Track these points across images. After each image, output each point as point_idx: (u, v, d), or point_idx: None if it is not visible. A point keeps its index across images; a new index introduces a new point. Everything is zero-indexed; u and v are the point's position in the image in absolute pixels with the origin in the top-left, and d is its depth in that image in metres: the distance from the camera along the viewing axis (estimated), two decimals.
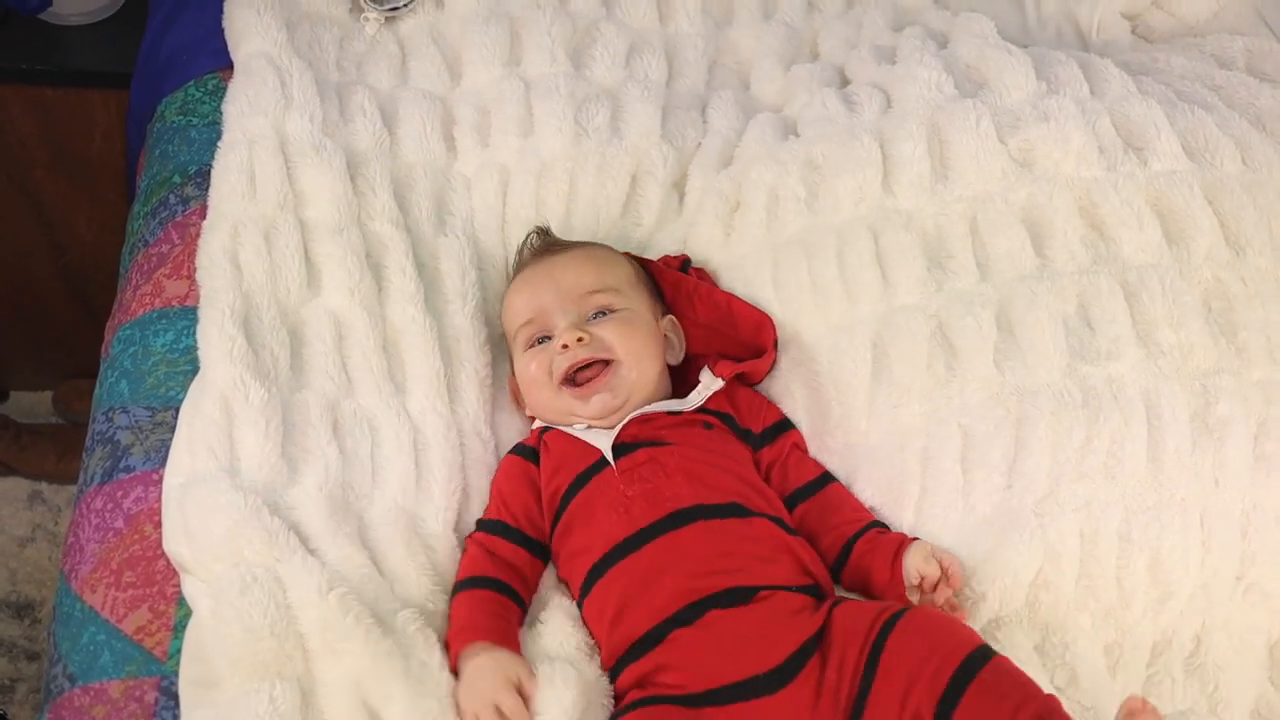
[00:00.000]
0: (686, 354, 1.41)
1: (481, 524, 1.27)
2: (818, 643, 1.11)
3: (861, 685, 1.07)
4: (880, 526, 1.25)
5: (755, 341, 1.38)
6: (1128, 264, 1.32)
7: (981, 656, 1.06)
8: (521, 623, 1.19)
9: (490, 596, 1.17)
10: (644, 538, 1.18)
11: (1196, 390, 1.26)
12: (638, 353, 1.31)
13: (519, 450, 1.33)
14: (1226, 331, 1.29)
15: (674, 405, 1.31)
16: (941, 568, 1.16)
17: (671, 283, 1.43)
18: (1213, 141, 1.39)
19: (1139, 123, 1.41)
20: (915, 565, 1.17)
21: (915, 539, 1.21)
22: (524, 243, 1.44)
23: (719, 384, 1.33)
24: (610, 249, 1.44)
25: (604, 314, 1.33)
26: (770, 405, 1.37)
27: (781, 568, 1.17)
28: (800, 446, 1.33)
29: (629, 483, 1.22)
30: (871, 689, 1.06)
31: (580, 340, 1.30)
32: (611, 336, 1.31)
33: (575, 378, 1.31)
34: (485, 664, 1.09)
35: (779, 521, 1.22)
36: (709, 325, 1.41)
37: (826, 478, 1.30)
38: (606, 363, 1.30)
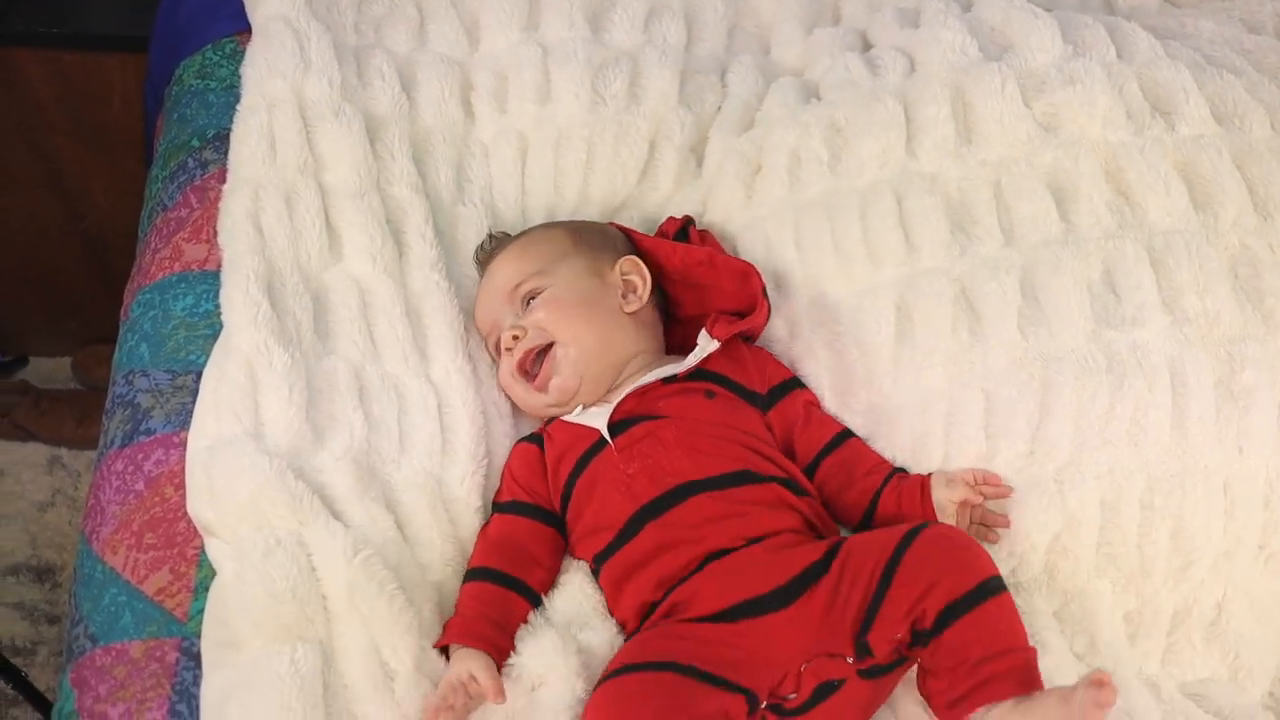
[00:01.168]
0: (688, 317, 1.40)
1: (496, 506, 1.27)
2: (824, 566, 1.11)
3: (875, 595, 1.08)
4: (900, 471, 1.26)
5: (744, 293, 1.36)
6: (1154, 229, 1.30)
7: (993, 588, 1.07)
8: (528, 611, 1.18)
9: (494, 591, 1.17)
10: (647, 515, 1.18)
11: (1222, 357, 1.24)
12: (572, 325, 1.31)
13: (528, 438, 1.33)
14: (1253, 298, 1.27)
15: (668, 370, 1.29)
16: (968, 484, 1.18)
17: (649, 247, 1.40)
18: (1242, 106, 1.37)
19: (1167, 86, 1.39)
20: (944, 497, 1.19)
21: (930, 474, 1.22)
22: (476, 251, 1.45)
23: (715, 345, 1.30)
24: (543, 227, 1.44)
25: (531, 299, 1.34)
26: (777, 364, 1.36)
27: (782, 519, 1.18)
28: (815, 405, 1.32)
29: (628, 460, 1.22)
30: (885, 597, 1.07)
31: (516, 337, 1.31)
32: (542, 319, 1.31)
33: (531, 372, 1.32)
34: (462, 662, 1.10)
35: (789, 484, 1.22)
36: (697, 284, 1.38)
37: (845, 434, 1.30)
38: (547, 347, 1.31)
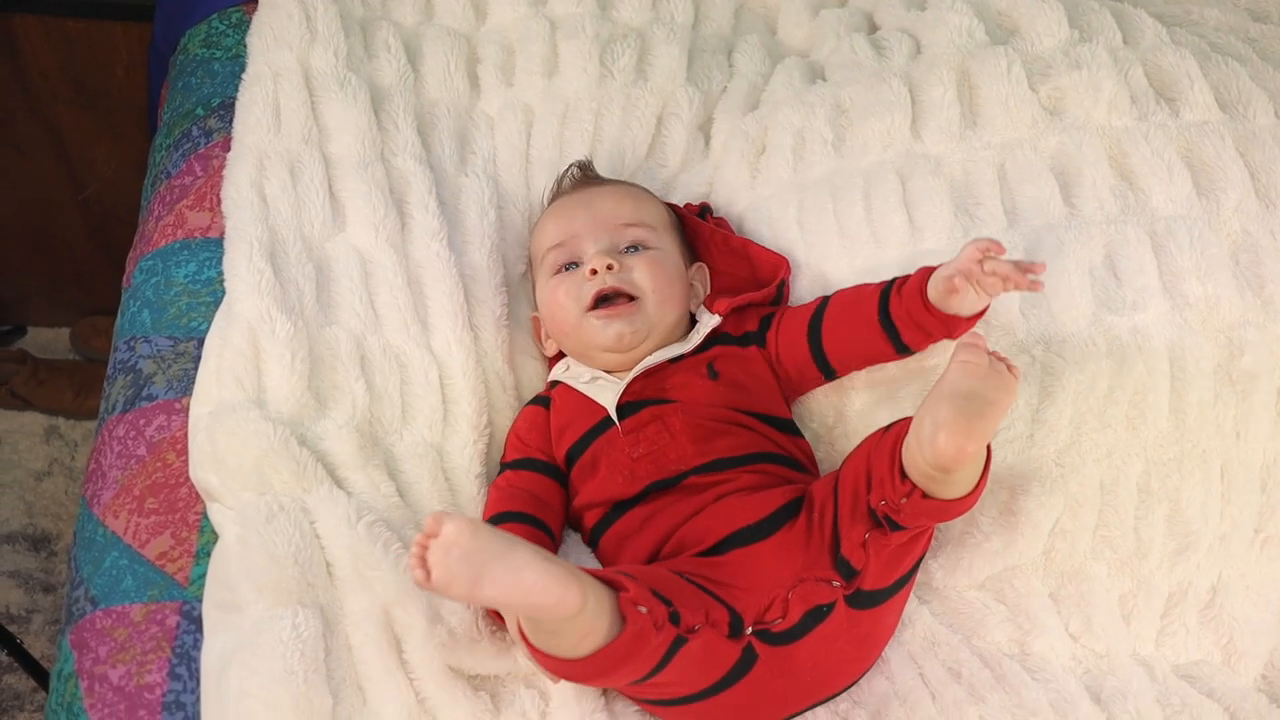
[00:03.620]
0: None
1: (503, 465, 1.28)
2: (802, 502, 1.15)
3: (834, 512, 1.11)
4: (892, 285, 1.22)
5: (753, 279, 1.38)
6: (1156, 214, 1.31)
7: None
8: (554, 548, 1.20)
9: (518, 528, 1.17)
10: (647, 494, 1.20)
11: (1221, 342, 1.25)
12: (663, 293, 1.30)
13: (534, 400, 1.34)
14: (1253, 284, 1.28)
15: (675, 350, 1.30)
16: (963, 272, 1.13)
17: (691, 228, 1.42)
18: (1246, 93, 1.38)
19: (1171, 73, 1.39)
20: (940, 290, 1.15)
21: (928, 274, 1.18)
22: (564, 174, 1.43)
23: (716, 320, 1.31)
24: (648, 190, 1.43)
25: (637, 249, 1.32)
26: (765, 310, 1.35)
27: (770, 480, 1.19)
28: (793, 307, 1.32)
29: (634, 444, 1.22)
30: (839, 515, 1.10)
31: (610, 268, 1.29)
32: (641, 273, 1.30)
33: (600, 303, 1.30)
34: None
35: (791, 462, 1.23)
36: (725, 271, 1.40)
37: (822, 305, 1.28)
38: (632, 298, 1.30)
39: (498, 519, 1.19)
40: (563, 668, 1.00)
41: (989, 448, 1.06)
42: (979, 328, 1.20)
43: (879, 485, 1.06)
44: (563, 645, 0.98)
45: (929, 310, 1.17)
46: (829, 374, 1.28)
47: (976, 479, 1.06)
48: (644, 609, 0.98)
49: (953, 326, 1.18)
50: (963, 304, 1.15)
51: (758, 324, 1.31)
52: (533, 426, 1.29)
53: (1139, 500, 1.22)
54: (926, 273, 1.18)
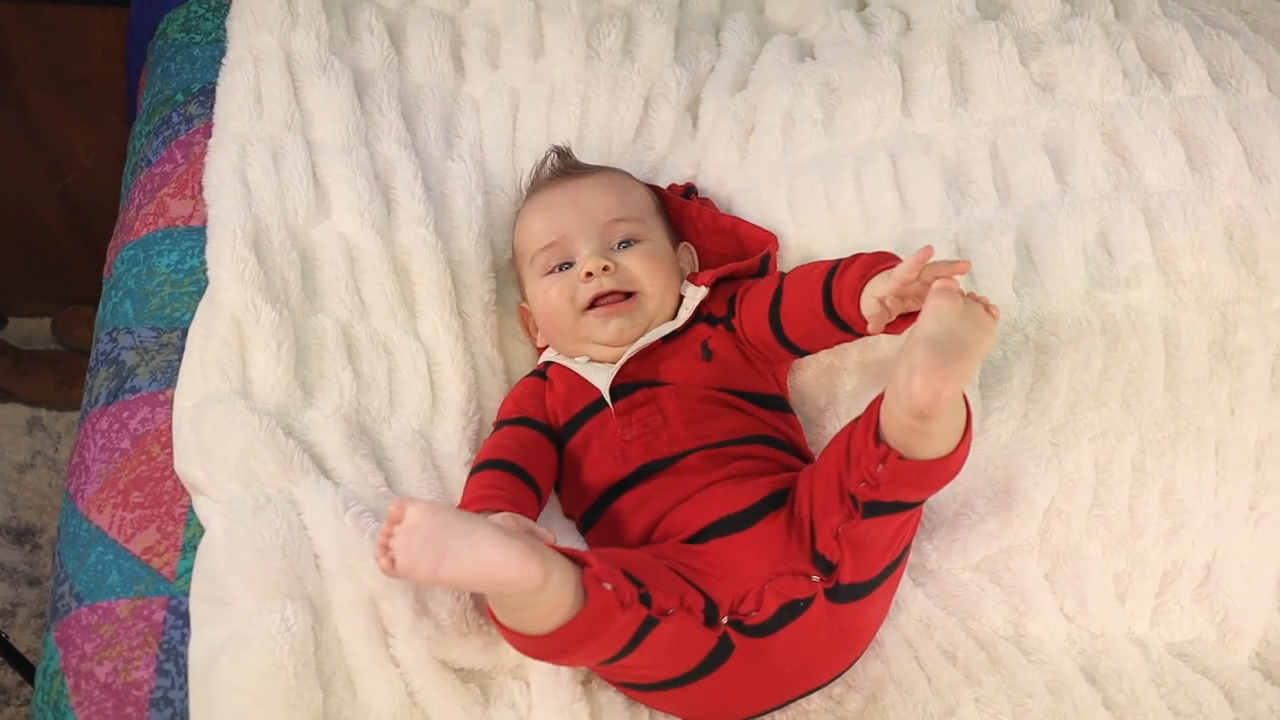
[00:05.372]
0: None
1: (501, 422, 1.27)
2: (787, 495, 1.14)
3: (811, 506, 1.09)
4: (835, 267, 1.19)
5: (739, 254, 1.37)
6: (1150, 190, 1.30)
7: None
8: (538, 509, 1.18)
9: (505, 477, 1.17)
10: (637, 478, 1.19)
11: (1215, 319, 1.25)
12: (661, 285, 1.30)
13: (532, 374, 1.33)
14: (1247, 260, 1.27)
15: (665, 329, 1.29)
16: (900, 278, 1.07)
17: (676, 209, 1.41)
18: (1239, 67, 1.37)
19: (1164, 46, 1.38)
20: (870, 303, 1.12)
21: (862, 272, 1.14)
22: (542, 162, 1.41)
23: (702, 292, 1.31)
24: (630, 176, 1.41)
25: (629, 244, 1.31)
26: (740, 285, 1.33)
27: (767, 468, 1.18)
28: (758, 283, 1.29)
29: (627, 425, 1.22)
30: (814, 508, 1.09)
31: (606, 269, 1.28)
32: (637, 268, 1.29)
33: (597, 302, 1.29)
34: (501, 517, 1.09)
35: (783, 444, 1.22)
36: (713, 250, 1.39)
37: (779, 286, 1.25)
38: (629, 294, 1.29)
39: (484, 466, 1.18)
40: (531, 645, 1.00)
41: (968, 408, 1.03)
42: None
43: (856, 461, 1.04)
44: (528, 621, 0.98)
45: (865, 319, 1.14)
46: (800, 354, 1.29)
47: (956, 436, 1.02)
48: (609, 585, 0.97)
49: (892, 328, 1.14)
50: (876, 327, 1.12)
51: (725, 308, 1.30)
52: (531, 394, 1.29)
53: (1134, 479, 1.22)
54: (861, 271, 1.14)
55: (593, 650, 1.00)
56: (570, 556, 0.98)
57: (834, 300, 1.17)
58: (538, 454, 1.22)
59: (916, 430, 0.99)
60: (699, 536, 1.13)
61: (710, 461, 1.19)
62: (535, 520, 1.15)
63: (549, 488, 1.23)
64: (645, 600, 0.99)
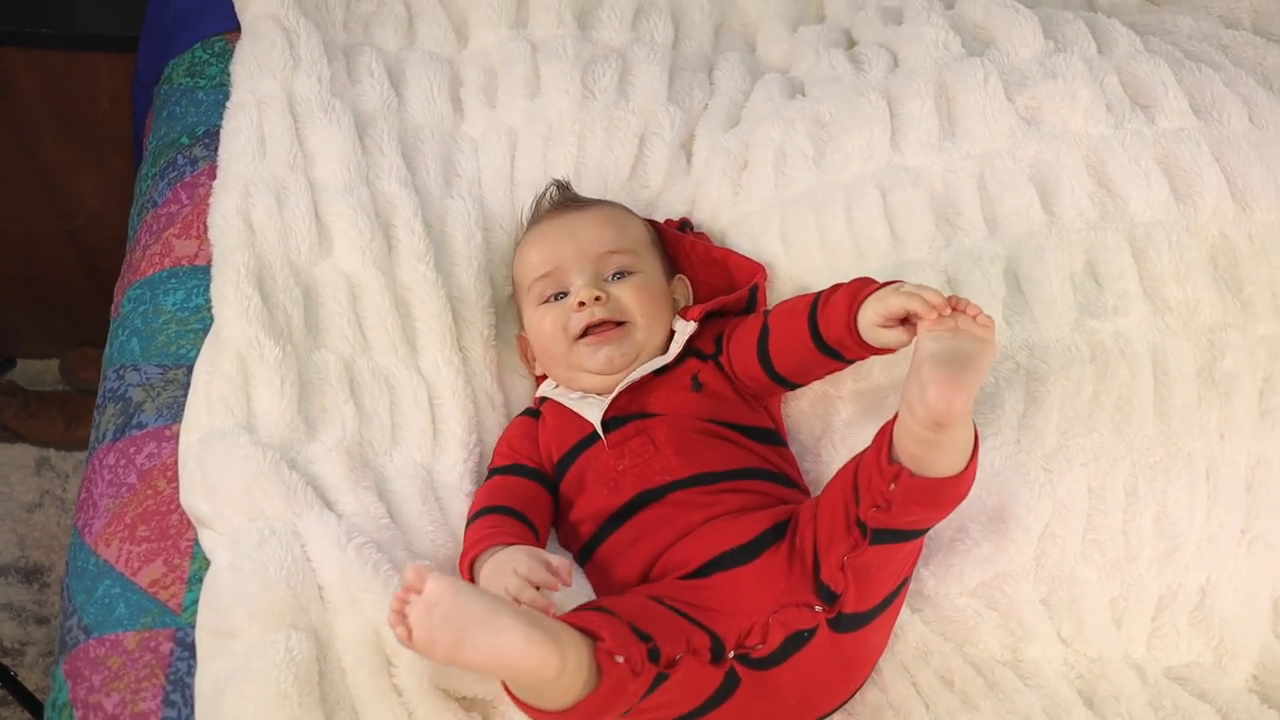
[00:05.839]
0: None
1: (492, 471, 1.28)
2: (787, 527, 1.15)
3: (815, 536, 1.11)
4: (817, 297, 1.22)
5: (729, 286, 1.39)
6: (1135, 220, 1.32)
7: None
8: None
9: (505, 519, 1.18)
10: (632, 509, 1.20)
11: (1203, 345, 1.26)
12: (651, 316, 1.32)
13: (525, 412, 1.35)
14: (1232, 287, 1.29)
15: (656, 363, 1.31)
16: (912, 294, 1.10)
17: (672, 242, 1.43)
18: (1220, 99, 1.39)
19: (1146, 80, 1.40)
20: (870, 320, 1.14)
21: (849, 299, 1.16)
22: (542, 195, 1.44)
23: (692, 327, 1.33)
24: (627, 210, 1.44)
25: (622, 275, 1.33)
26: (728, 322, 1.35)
27: (763, 504, 1.19)
28: (743, 322, 1.31)
29: (619, 456, 1.23)
30: (818, 539, 1.10)
31: (598, 299, 1.30)
32: (629, 299, 1.31)
33: (588, 331, 1.31)
34: (511, 550, 1.10)
35: (778, 477, 1.23)
36: (705, 282, 1.41)
37: (765, 322, 1.27)
38: (620, 324, 1.31)
39: (483, 512, 1.19)
40: (547, 718, 1.02)
41: (975, 434, 1.06)
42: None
43: (867, 486, 1.06)
44: (544, 699, 1.00)
45: (863, 346, 1.17)
46: (791, 387, 1.31)
47: (966, 454, 1.05)
48: (621, 658, 0.98)
49: (885, 352, 1.18)
50: (893, 341, 1.14)
51: (713, 345, 1.32)
52: (524, 435, 1.30)
53: (1126, 503, 1.23)
54: (848, 298, 1.16)
55: (609, 715, 1.02)
56: (583, 628, 1.00)
57: (821, 328, 1.20)
58: (532, 500, 1.23)
59: (932, 442, 1.01)
60: (701, 571, 1.14)
61: (704, 495, 1.20)
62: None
63: (547, 531, 1.24)
64: (654, 656, 1.01)
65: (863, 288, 1.17)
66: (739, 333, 1.30)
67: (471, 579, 1.12)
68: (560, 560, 1.08)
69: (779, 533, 1.15)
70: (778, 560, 1.12)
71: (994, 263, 1.30)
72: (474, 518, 1.20)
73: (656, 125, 1.55)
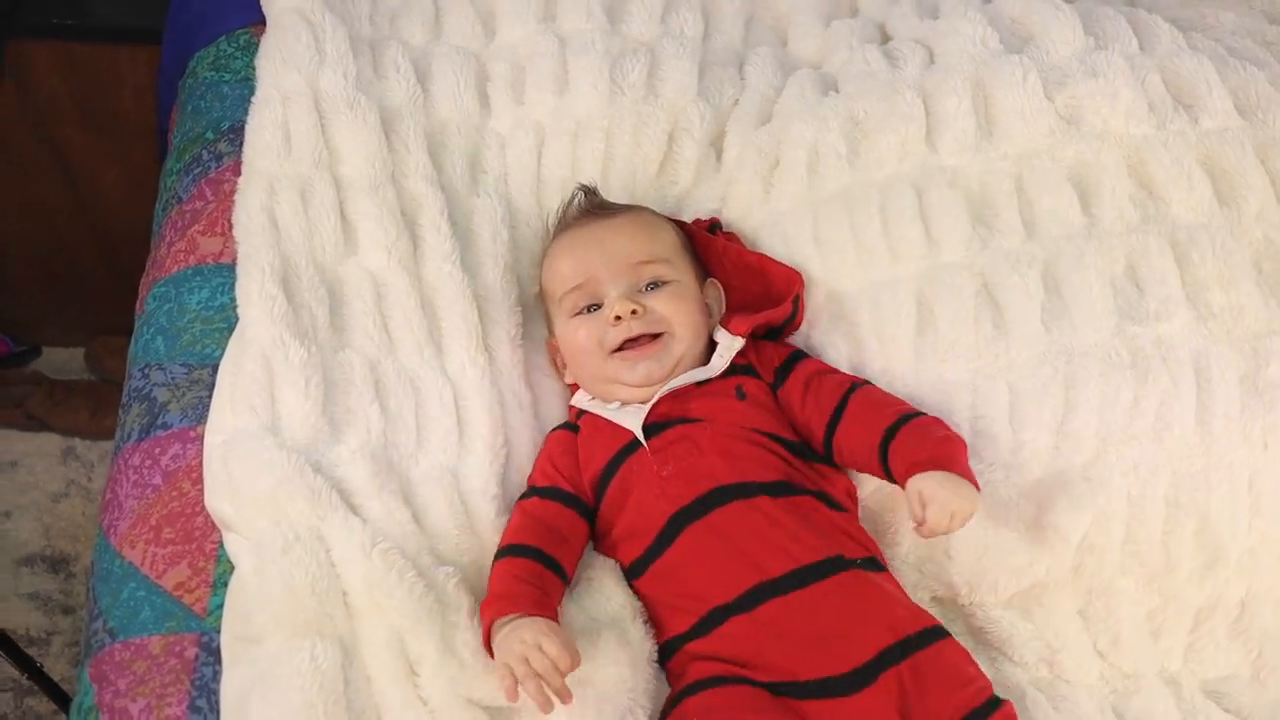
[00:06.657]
0: None
1: (533, 490, 1.25)
2: (900, 653, 1.10)
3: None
4: (900, 426, 1.21)
5: (766, 293, 1.36)
6: (1177, 223, 1.29)
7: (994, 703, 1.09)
8: (563, 593, 1.17)
9: (530, 566, 1.15)
10: (684, 519, 1.17)
11: (1247, 352, 1.24)
12: (688, 325, 1.30)
13: (563, 426, 1.32)
14: (1278, 292, 1.26)
15: (700, 375, 1.28)
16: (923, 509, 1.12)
17: (702, 244, 1.41)
18: (1265, 98, 1.36)
19: (1189, 79, 1.37)
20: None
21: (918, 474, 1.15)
22: (569, 201, 1.42)
23: (740, 343, 1.30)
24: (657, 214, 1.41)
25: (656, 285, 1.31)
26: (780, 346, 1.34)
27: (828, 542, 1.15)
28: (818, 374, 1.29)
29: (663, 462, 1.21)
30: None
31: (634, 313, 1.28)
32: (665, 310, 1.29)
33: (625, 345, 1.28)
34: (521, 624, 1.08)
35: (824, 497, 1.20)
36: (738, 287, 1.39)
37: (849, 393, 1.25)
38: (656, 336, 1.28)
39: (511, 550, 1.17)
40: None
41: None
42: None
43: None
44: None
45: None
46: (830, 460, 1.26)
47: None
48: None
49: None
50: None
51: (773, 374, 1.30)
52: (565, 451, 1.28)
53: (1167, 514, 1.21)
54: (930, 453, 1.15)
55: None
56: None
57: (889, 458, 1.18)
58: (564, 534, 1.20)
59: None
60: (795, 690, 1.09)
61: (759, 520, 1.16)
62: (559, 603, 1.14)
63: (574, 566, 1.20)
64: None
65: (941, 445, 1.17)
66: (819, 392, 1.26)
67: (488, 632, 1.10)
68: (570, 661, 1.05)
69: (887, 659, 1.10)
70: (885, 694, 1.09)
71: (1032, 266, 1.28)
72: (501, 553, 1.17)
73: (686, 121, 1.53)
